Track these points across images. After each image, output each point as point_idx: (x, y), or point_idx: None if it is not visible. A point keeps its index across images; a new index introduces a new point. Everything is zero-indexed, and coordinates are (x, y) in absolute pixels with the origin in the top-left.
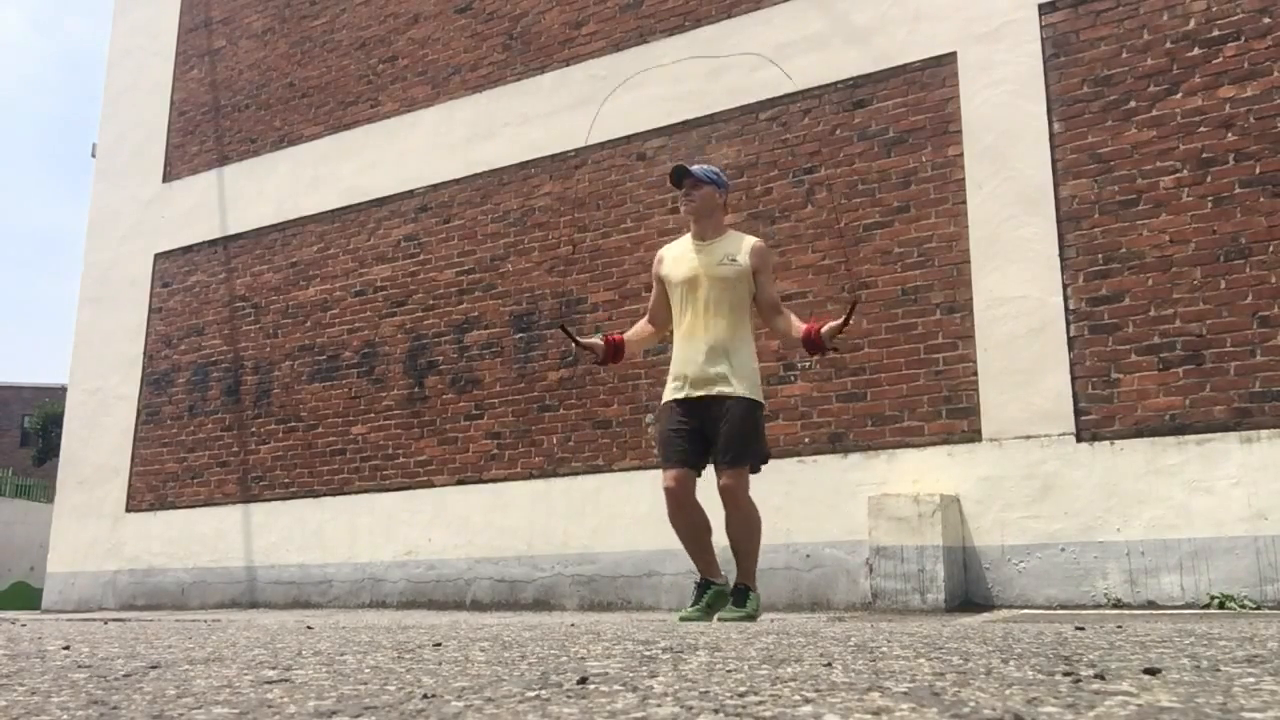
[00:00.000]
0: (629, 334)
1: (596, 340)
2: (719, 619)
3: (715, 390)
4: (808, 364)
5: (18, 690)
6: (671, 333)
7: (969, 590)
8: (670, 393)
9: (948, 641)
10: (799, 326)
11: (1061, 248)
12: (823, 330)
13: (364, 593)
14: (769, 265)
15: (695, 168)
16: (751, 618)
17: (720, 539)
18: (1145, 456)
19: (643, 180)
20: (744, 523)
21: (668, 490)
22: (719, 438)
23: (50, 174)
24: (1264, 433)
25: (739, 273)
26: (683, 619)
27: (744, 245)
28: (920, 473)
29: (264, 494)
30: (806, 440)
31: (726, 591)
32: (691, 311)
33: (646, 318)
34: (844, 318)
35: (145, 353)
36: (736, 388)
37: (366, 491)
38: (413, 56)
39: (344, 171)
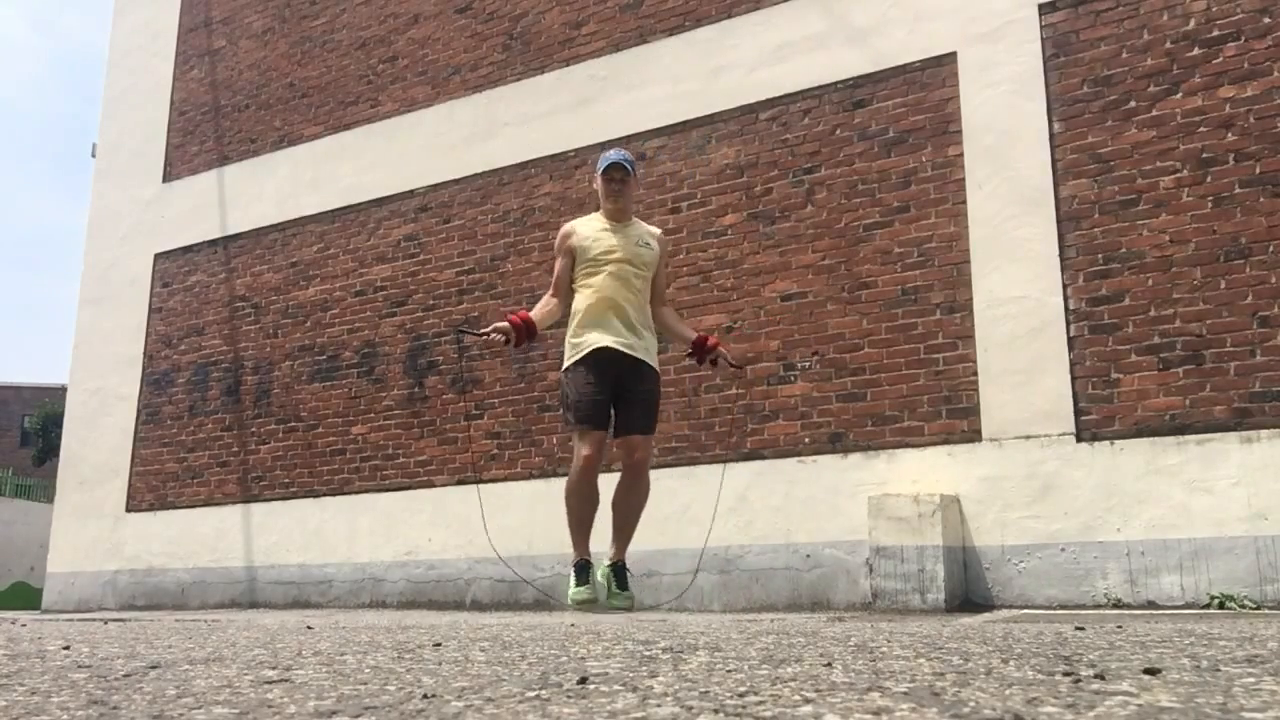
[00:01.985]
0: (535, 313)
1: (500, 324)
2: (614, 605)
3: (639, 355)
4: (807, 364)
5: (18, 690)
6: (566, 311)
7: (969, 590)
8: (592, 342)
9: (948, 641)
10: (688, 329)
11: (1061, 248)
12: (720, 348)
13: (364, 593)
14: (667, 254)
15: (624, 158)
16: (633, 603)
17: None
18: (1145, 456)
19: (643, 180)
20: (643, 494)
21: (588, 458)
22: (636, 405)
23: (50, 174)
24: (1264, 433)
25: (654, 257)
26: (581, 602)
27: (653, 233)
28: (920, 473)
29: (264, 494)
30: (806, 440)
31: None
32: (612, 281)
33: (550, 291)
34: (737, 366)
35: (145, 353)
36: (653, 360)
37: (366, 491)
38: (413, 56)
39: (344, 171)
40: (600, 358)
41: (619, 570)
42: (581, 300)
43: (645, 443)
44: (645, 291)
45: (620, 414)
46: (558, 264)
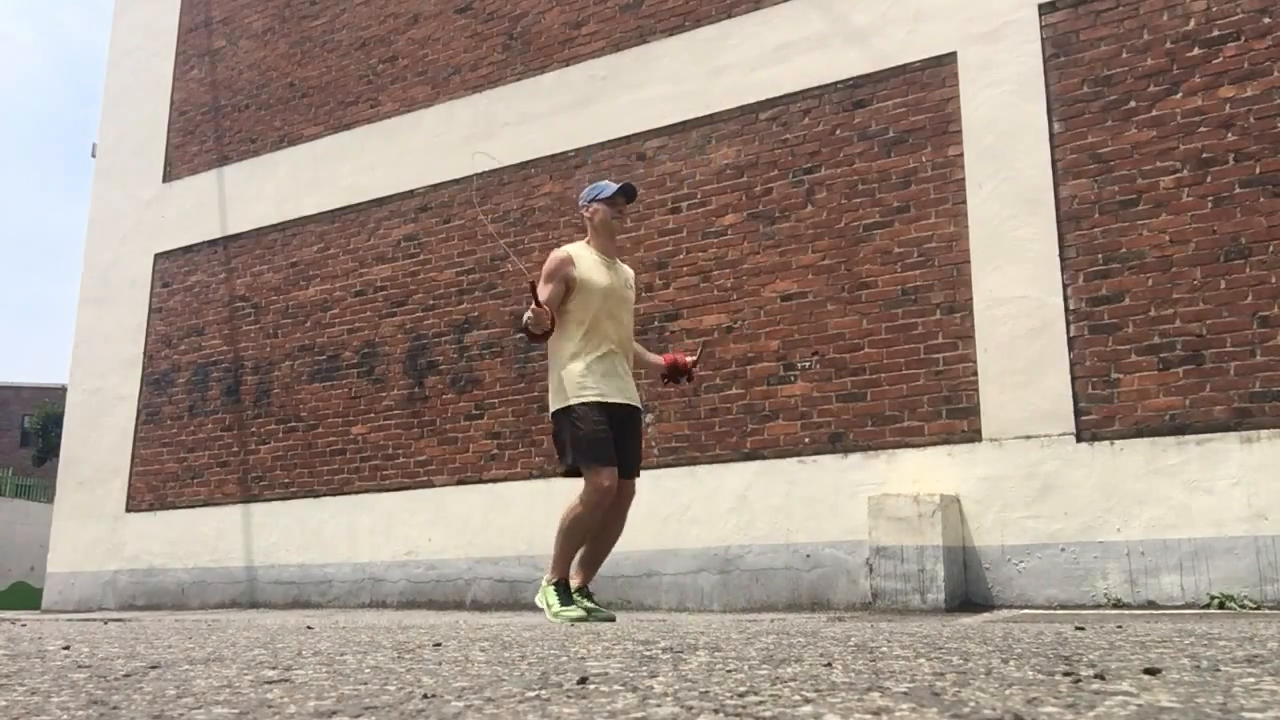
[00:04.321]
0: None
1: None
2: (601, 618)
3: (635, 402)
4: (807, 364)
5: (18, 690)
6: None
7: (969, 590)
8: (606, 394)
9: (948, 641)
10: (654, 355)
11: (1061, 248)
12: (688, 360)
13: (364, 593)
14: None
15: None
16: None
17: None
18: (1145, 456)
19: (643, 180)
20: (621, 531)
21: (607, 489)
22: (630, 447)
23: (50, 173)
24: (1264, 433)
25: (633, 298)
26: (575, 619)
27: (630, 274)
28: (920, 473)
29: (264, 494)
30: (806, 440)
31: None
32: (611, 323)
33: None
34: (698, 355)
35: (145, 353)
36: (638, 399)
37: (366, 491)
38: (413, 56)
39: (344, 171)
40: (608, 405)
41: (587, 593)
42: (585, 340)
43: (633, 485)
44: (631, 331)
45: (621, 455)
46: (548, 288)
